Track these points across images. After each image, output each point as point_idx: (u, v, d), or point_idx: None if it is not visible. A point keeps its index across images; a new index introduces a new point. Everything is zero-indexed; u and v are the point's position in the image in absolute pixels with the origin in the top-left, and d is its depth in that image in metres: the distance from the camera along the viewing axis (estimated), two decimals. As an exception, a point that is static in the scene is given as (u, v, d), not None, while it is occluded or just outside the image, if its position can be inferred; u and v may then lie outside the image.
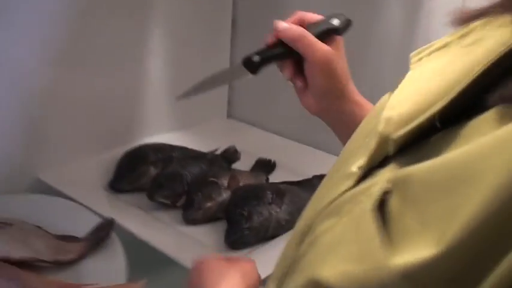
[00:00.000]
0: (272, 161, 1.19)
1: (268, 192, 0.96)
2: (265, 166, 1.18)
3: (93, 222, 0.91)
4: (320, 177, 1.15)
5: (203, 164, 1.10)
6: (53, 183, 1.03)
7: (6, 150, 1.01)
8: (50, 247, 0.83)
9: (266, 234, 0.92)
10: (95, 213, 0.94)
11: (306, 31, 0.64)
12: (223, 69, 0.72)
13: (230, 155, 1.18)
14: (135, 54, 1.17)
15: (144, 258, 0.90)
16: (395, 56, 1.09)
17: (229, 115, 1.42)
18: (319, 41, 0.64)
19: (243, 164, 1.18)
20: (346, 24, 0.67)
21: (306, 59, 0.64)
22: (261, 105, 1.37)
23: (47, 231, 0.87)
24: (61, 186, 1.02)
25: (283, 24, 0.64)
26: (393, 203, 0.33)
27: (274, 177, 1.15)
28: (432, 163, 0.32)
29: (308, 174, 1.14)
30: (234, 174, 1.03)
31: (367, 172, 0.38)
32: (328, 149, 1.22)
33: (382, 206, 0.34)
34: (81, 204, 0.97)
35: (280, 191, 0.97)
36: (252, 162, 1.19)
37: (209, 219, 0.97)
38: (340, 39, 0.67)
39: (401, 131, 0.36)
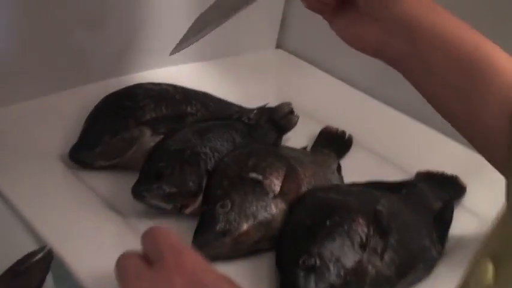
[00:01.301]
0: (347, 134, 0.73)
1: (361, 221, 0.50)
2: (335, 142, 0.71)
3: (18, 245, 0.46)
4: (428, 179, 0.70)
5: (237, 133, 0.64)
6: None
7: None
8: None
9: (353, 312, 0.47)
10: (27, 222, 0.50)
11: None
12: None
13: (282, 119, 0.71)
14: None
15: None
16: None
17: (280, 44, 0.92)
18: None
19: (298, 132, 0.72)
20: None
21: None
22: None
23: None
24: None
25: None
26: None
27: (348, 164, 0.69)
28: None
29: (404, 165, 0.69)
30: (293, 170, 0.56)
31: None
32: (436, 125, 0.75)
33: None
34: (8, 199, 0.52)
35: (382, 218, 0.51)
36: (312, 127, 0.72)
37: (243, 252, 0.52)
38: None
39: None
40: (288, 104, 0.72)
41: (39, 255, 0.43)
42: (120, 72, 0.72)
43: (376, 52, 0.47)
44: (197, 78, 0.79)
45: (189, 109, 0.65)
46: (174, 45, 0.70)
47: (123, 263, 0.39)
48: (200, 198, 0.55)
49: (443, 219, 0.59)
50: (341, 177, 0.65)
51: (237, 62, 0.85)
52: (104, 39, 0.70)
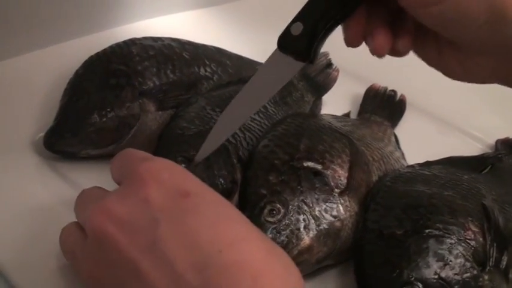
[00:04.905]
0: (399, 95, 0.57)
1: (473, 227, 0.35)
2: (386, 105, 0.56)
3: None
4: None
5: (269, 101, 0.48)
6: None
7: None
8: None
9: None
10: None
11: None
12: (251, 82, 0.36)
13: (318, 75, 0.55)
14: None
15: None
16: None
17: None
18: None
19: (335, 93, 0.56)
20: None
21: None
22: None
23: None
24: None
25: None
26: None
27: (403, 134, 0.54)
28: None
29: (474, 131, 0.55)
30: (359, 152, 0.41)
31: None
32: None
33: None
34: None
35: (496, 219, 0.37)
36: (353, 87, 0.57)
37: (303, 275, 0.37)
38: None
39: None
40: (325, 55, 0.55)
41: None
42: (103, 25, 0.55)
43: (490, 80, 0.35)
44: (200, 30, 0.62)
45: (202, 71, 0.49)
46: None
47: (79, 197, 0.33)
48: (235, 198, 0.40)
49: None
50: (403, 154, 0.50)
51: (248, 6, 0.68)
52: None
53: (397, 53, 0.34)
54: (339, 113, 0.54)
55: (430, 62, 0.35)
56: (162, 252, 0.26)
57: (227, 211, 0.29)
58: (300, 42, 0.33)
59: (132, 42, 0.48)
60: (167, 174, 0.29)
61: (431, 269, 0.33)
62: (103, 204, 0.29)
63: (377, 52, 0.33)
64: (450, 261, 0.33)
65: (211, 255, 0.26)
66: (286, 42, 0.34)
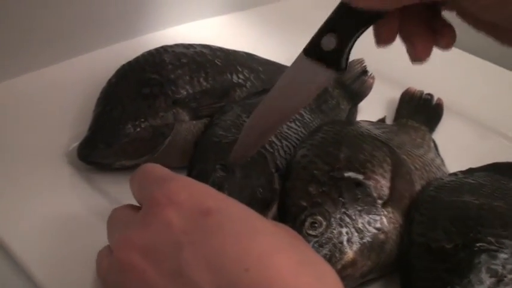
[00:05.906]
0: (435, 98, 0.55)
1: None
2: (422, 110, 0.54)
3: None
4: None
5: (304, 107, 0.47)
6: None
7: None
8: None
9: None
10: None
11: None
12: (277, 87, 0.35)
13: (353, 82, 0.53)
14: None
15: None
16: None
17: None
18: None
19: (370, 99, 0.55)
20: None
21: None
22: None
23: None
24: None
25: None
26: None
27: (441, 139, 0.52)
28: None
29: None
30: (401, 161, 0.39)
31: None
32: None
33: None
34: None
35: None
36: (388, 91, 0.55)
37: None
38: None
39: None
40: (360, 62, 0.54)
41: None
42: (133, 33, 0.54)
43: None
44: (228, 35, 0.61)
45: (235, 78, 0.48)
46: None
47: (109, 218, 0.32)
48: (274, 209, 0.38)
49: None
50: (442, 160, 0.49)
51: (278, 10, 0.66)
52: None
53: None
54: (374, 119, 0.52)
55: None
56: (188, 277, 0.26)
57: (253, 224, 0.27)
58: (334, 54, 0.31)
59: (164, 50, 0.47)
60: (185, 195, 0.28)
61: (485, 286, 0.31)
62: (126, 235, 0.28)
63: (418, 60, 0.31)
64: (504, 277, 0.32)
65: (238, 275, 0.25)
66: (316, 53, 0.32)
